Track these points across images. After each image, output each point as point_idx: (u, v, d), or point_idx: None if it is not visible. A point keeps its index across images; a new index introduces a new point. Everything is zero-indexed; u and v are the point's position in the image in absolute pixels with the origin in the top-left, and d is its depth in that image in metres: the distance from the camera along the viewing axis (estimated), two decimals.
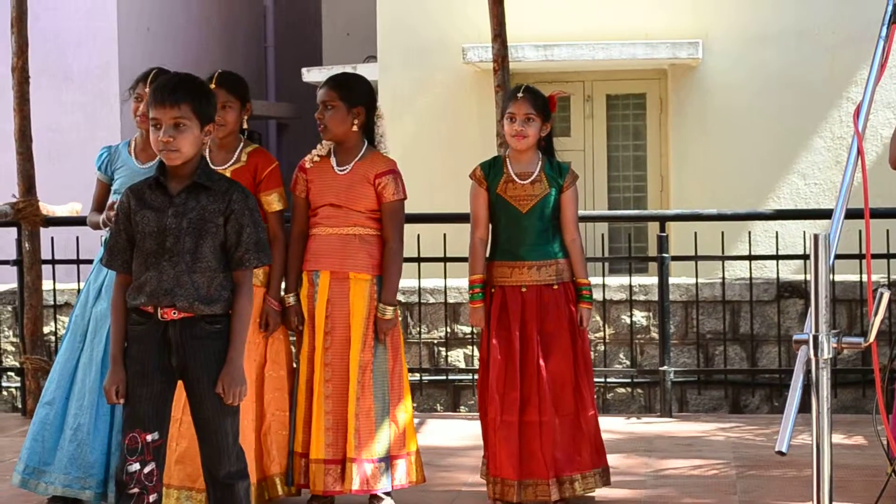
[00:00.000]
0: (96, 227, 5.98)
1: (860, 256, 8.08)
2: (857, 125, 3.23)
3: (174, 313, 4.37)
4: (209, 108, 4.53)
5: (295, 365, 5.85)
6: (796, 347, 3.00)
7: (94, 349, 5.83)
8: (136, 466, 4.36)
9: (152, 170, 5.76)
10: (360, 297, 5.68)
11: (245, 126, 5.81)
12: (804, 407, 2.99)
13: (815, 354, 2.95)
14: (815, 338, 2.94)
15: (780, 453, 2.89)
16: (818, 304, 2.95)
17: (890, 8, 3.34)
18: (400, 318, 6.23)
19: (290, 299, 5.76)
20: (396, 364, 5.77)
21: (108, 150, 6.04)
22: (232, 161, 5.72)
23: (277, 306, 5.71)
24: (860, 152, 3.23)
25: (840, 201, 3.31)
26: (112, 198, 5.88)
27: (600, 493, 5.95)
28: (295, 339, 5.88)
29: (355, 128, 5.74)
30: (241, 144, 5.77)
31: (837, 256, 7.72)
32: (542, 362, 5.71)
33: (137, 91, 5.92)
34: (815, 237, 2.95)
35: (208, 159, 5.67)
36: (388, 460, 5.69)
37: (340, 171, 5.74)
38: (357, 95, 5.76)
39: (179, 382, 4.47)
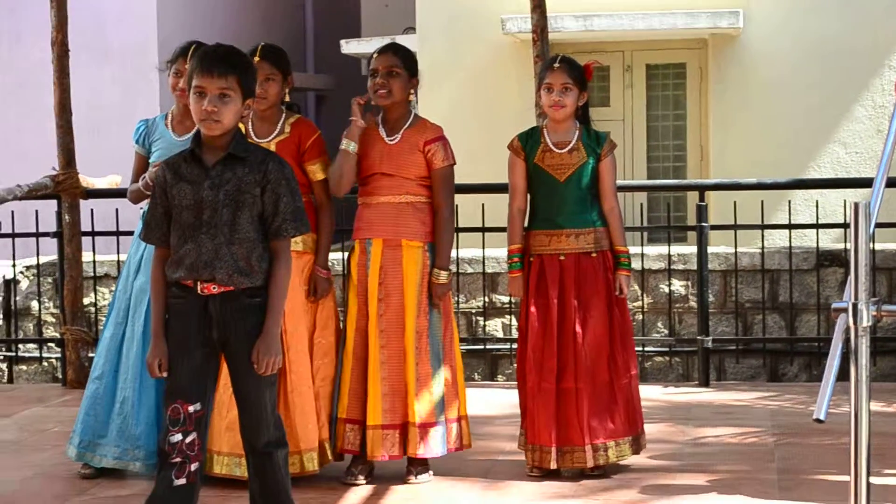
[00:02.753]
0: (137, 198, 6.02)
1: None
2: None
3: (214, 288, 4.38)
4: (253, 82, 4.55)
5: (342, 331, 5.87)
6: (835, 316, 3.00)
7: (136, 323, 5.88)
8: (178, 437, 4.40)
9: (188, 142, 5.82)
10: (413, 264, 5.73)
11: (287, 98, 5.84)
12: (843, 375, 2.99)
13: (855, 322, 2.95)
14: (855, 306, 2.94)
15: (819, 421, 2.90)
16: (857, 273, 2.95)
17: None
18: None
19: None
20: (448, 328, 5.83)
21: (146, 124, 6.08)
22: (276, 133, 5.75)
23: (327, 273, 5.75)
24: None
25: (881, 170, 3.31)
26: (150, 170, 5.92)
27: (638, 460, 5.97)
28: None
29: (411, 97, 5.80)
30: (284, 116, 5.80)
31: (878, 225, 7.67)
32: (578, 329, 5.73)
33: (176, 66, 5.94)
34: (856, 206, 2.95)
35: (252, 132, 5.71)
36: (443, 423, 5.77)
37: (390, 139, 5.77)
38: (415, 64, 5.86)
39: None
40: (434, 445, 5.74)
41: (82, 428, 5.93)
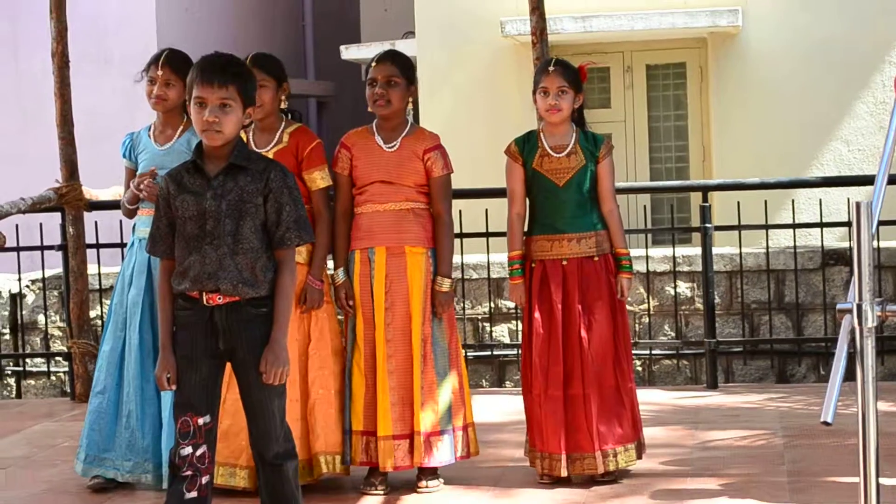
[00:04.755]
0: (131, 209, 6.02)
1: None
2: None
3: (219, 298, 4.38)
4: (253, 90, 4.55)
5: (344, 343, 5.85)
6: (840, 317, 3.00)
7: (132, 336, 5.89)
8: (188, 450, 4.40)
9: (171, 151, 5.86)
10: (417, 271, 5.72)
11: (283, 105, 5.83)
12: (850, 375, 2.98)
13: (860, 323, 2.94)
14: (859, 306, 2.93)
15: (826, 423, 2.89)
16: (861, 272, 2.94)
17: None
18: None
19: (340, 275, 5.78)
20: (453, 336, 5.82)
21: (131, 137, 6.12)
22: (274, 142, 5.74)
23: (319, 285, 5.72)
24: None
25: (882, 167, 3.30)
26: (138, 179, 5.93)
27: (647, 465, 5.96)
28: (345, 317, 5.88)
29: (409, 105, 5.81)
30: (283, 125, 5.79)
31: (883, 223, 7.67)
32: (584, 334, 5.71)
33: (150, 74, 5.94)
34: (857, 205, 2.94)
35: (252, 142, 5.71)
36: (450, 431, 5.75)
37: (388, 147, 5.77)
38: (413, 73, 5.86)
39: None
40: (442, 454, 5.72)
41: (88, 443, 5.93)
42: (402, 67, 5.78)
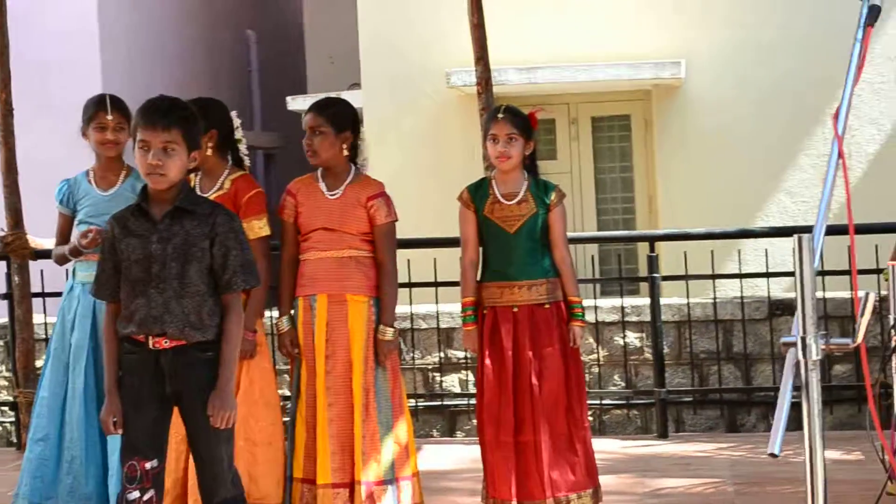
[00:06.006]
0: (62, 260, 5.99)
1: (849, 273, 8.07)
2: (837, 128, 3.23)
3: (165, 342, 4.37)
4: (197, 134, 4.54)
5: (281, 393, 5.80)
6: (785, 350, 2.99)
7: (76, 381, 5.83)
8: (135, 494, 4.39)
9: (115, 196, 5.82)
10: (358, 319, 5.67)
11: (209, 153, 5.67)
12: (801, 424, 2.97)
13: (804, 356, 2.93)
14: (804, 339, 2.93)
15: (773, 455, 2.87)
16: (804, 306, 2.94)
17: (865, 10, 3.35)
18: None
19: (284, 323, 5.74)
20: (396, 385, 5.76)
21: (68, 183, 6.06)
22: (215, 188, 5.70)
23: (252, 336, 5.61)
24: (840, 154, 3.24)
25: (823, 201, 3.30)
26: (79, 228, 5.91)
27: None
28: (290, 365, 5.84)
29: (345, 152, 5.75)
30: (227, 171, 5.75)
31: (827, 272, 7.69)
32: (535, 381, 5.70)
33: (99, 120, 5.87)
34: (799, 238, 2.96)
35: (198, 187, 5.66)
36: (393, 482, 5.69)
37: (331, 195, 5.74)
38: (344, 120, 5.77)
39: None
40: (384, 503, 5.66)
41: (30, 490, 5.84)
42: (329, 116, 5.72)
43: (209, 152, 5.67)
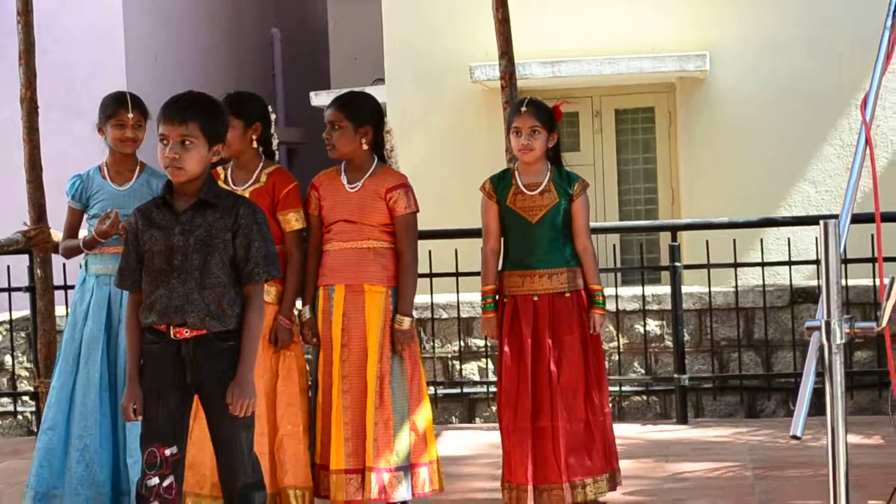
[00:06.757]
0: (70, 253, 6.05)
1: (874, 260, 8.07)
2: (865, 115, 3.23)
3: (186, 332, 4.42)
4: (219, 127, 4.56)
5: (311, 381, 5.86)
6: (808, 334, 3.00)
7: (90, 371, 5.87)
8: (155, 480, 4.42)
9: (131, 191, 5.89)
10: (375, 309, 5.71)
11: (255, 145, 5.81)
12: (821, 409, 2.98)
13: (828, 340, 2.94)
14: (828, 323, 2.94)
15: (795, 437, 2.89)
16: (829, 290, 2.95)
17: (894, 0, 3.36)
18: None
19: (306, 313, 5.80)
20: (415, 373, 5.79)
21: (80, 178, 6.10)
22: (251, 181, 5.76)
23: (289, 324, 5.72)
24: (868, 142, 3.24)
25: (850, 187, 3.30)
26: (91, 223, 5.97)
27: (616, 496, 5.95)
28: (311, 354, 5.89)
29: (365, 146, 5.78)
30: (262, 165, 5.81)
31: (851, 260, 7.69)
32: (553, 368, 5.72)
33: (118, 118, 5.95)
34: (825, 223, 2.96)
35: (230, 180, 5.73)
36: (407, 469, 5.71)
37: (351, 188, 5.78)
38: (363, 114, 5.80)
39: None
40: (397, 491, 5.67)
41: (37, 481, 5.89)
42: (348, 111, 5.75)
43: (253, 145, 5.76)
